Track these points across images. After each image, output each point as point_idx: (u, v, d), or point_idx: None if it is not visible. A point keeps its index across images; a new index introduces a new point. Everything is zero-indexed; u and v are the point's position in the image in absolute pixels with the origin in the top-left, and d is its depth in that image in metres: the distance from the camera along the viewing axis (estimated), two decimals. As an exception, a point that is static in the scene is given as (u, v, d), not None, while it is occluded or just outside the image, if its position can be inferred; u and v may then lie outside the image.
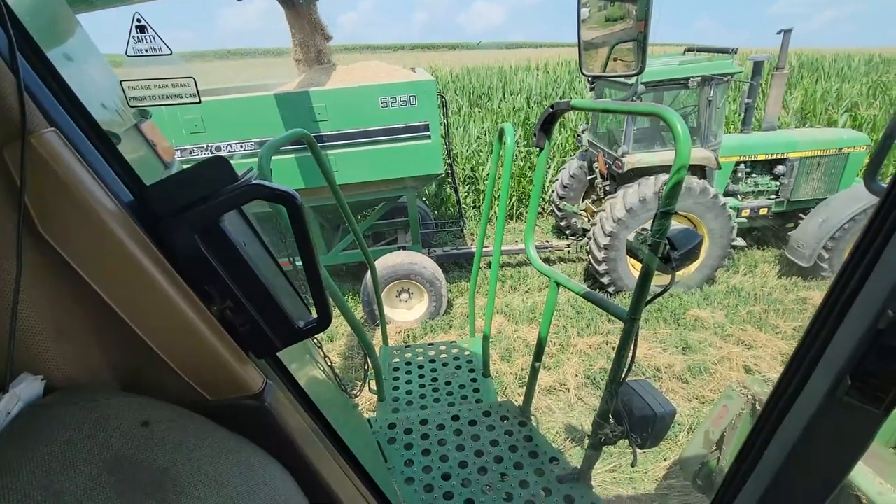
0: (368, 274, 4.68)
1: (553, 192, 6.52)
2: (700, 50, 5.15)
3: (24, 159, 0.46)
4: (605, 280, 4.98)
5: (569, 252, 5.96)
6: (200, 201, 0.57)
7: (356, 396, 1.99)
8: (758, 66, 5.19)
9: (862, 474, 1.77)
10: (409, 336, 4.63)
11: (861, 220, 4.68)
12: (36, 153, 0.46)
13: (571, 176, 6.22)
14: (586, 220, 5.91)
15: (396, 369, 2.61)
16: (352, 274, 5.77)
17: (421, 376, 2.54)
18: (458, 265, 5.95)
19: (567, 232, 6.47)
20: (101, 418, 0.50)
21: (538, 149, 1.69)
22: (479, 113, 10.54)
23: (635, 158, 4.76)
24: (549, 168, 7.64)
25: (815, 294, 4.85)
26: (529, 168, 7.86)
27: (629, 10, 1.36)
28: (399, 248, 5.12)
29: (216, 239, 0.60)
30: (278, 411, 0.65)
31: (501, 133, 2.04)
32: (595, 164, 5.65)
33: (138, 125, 0.89)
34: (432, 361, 2.66)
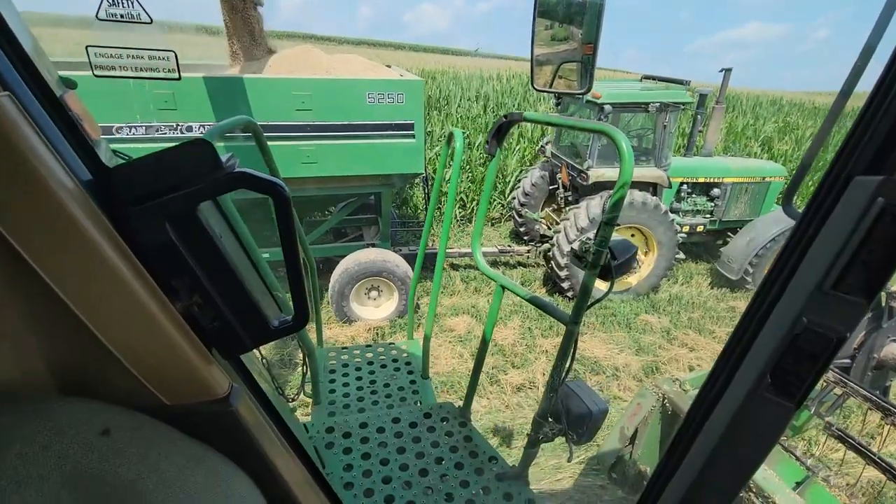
0: (336, 270, 4.61)
1: (514, 198, 6.77)
2: (656, 78, 5.64)
3: None
4: (564, 285, 5.28)
5: (528, 257, 6.23)
6: (177, 187, 0.52)
7: (293, 400, 1.91)
8: (702, 98, 5.79)
9: None
10: (378, 334, 4.61)
11: (780, 241, 5.38)
12: None
13: (533, 185, 6.51)
14: (546, 227, 6.21)
15: (332, 371, 2.51)
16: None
17: (358, 378, 2.47)
18: (422, 264, 5.99)
19: (525, 238, 6.75)
20: (56, 427, 0.44)
21: (489, 156, 1.74)
22: (437, 116, 10.66)
23: (599, 172, 5.11)
24: (511, 176, 7.92)
25: (743, 304, 5.48)
26: (489, 174, 8.09)
27: (573, 32, 1.46)
28: (367, 245, 5.08)
29: (191, 229, 0.55)
30: (244, 416, 0.62)
31: (450, 137, 2.05)
32: (557, 175, 5.96)
33: (62, 97, 0.79)
34: (370, 363, 2.60)
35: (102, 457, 0.45)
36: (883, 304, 2.54)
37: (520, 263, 6.35)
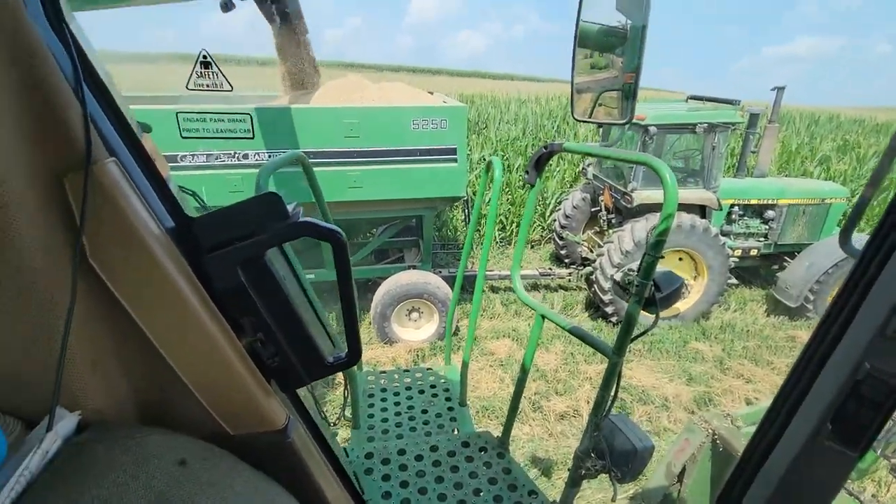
0: (378, 291, 4.70)
1: (555, 221, 6.72)
2: (703, 99, 5.51)
3: (87, 189, 0.46)
4: (609, 310, 5.13)
5: (569, 280, 6.12)
6: (249, 235, 0.57)
7: (335, 424, 1.92)
8: (753, 117, 5.60)
9: None
10: (418, 356, 4.62)
11: (844, 266, 5.03)
12: (97, 182, 0.47)
13: (574, 207, 6.44)
14: (588, 249, 6.10)
15: (371, 395, 2.54)
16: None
17: (396, 404, 2.48)
18: (461, 287, 6.00)
19: (566, 260, 6.65)
20: (142, 458, 0.49)
21: (530, 185, 1.73)
22: (476, 140, 10.80)
23: (644, 195, 5.00)
24: (551, 198, 7.88)
25: (803, 333, 5.13)
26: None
27: (613, 60, 1.43)
28: (409, 267, 5.15)
29: (259, 273, 0.60)
30: (299, 447, 0.65)
31: (489, 166, 2.05)
32: (600, 197, 5.87)
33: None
34: (408, 388, 2.60)
35: (181, 485, 0.49)
36: None
37: (561, 287, 6.24)
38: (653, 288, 1.23)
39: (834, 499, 0.59)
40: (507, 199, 7.96)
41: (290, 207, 0.59)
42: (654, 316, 1.32)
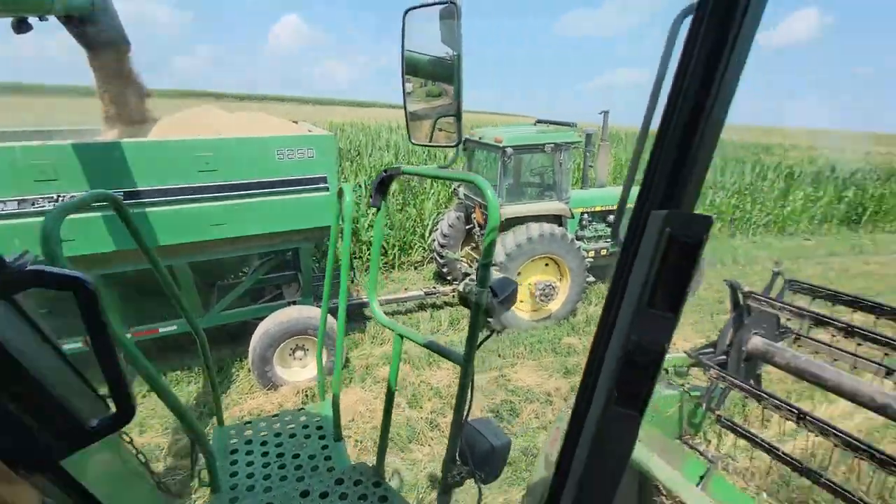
0: (255, 334, 4.34)
1: (434, 240, 6.96)
2: (548, 122, 6.26)
3: None
4: (492, 321, 5.43)
5: (453, 297, 6.35)
6: None
7: (189, 493, 1.74)
8: (588, 137, 6.51)
9: (656, 466, 2.06)
10: (307, 396, 4.36)
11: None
12: None
13: (450, 226, 6.75)
14: (467, 265, 6.42)
15: (234, 451, 2.35)
16: (230, 336, 5.22)
17: (264, 454, 2.33)
18: (347, 317, 5.85)
19: (449, 277, 6.90)
20: None
21: (375, 209, 1.80)
22: (350, 167, 10.76)
23: (509, 210, 5.45)
24: (429, 219, 8.15)
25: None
26: (407, 219, 8.26)
27: (446, 89, 1.58)
28: (289, 303, 4.87)
29: None
30: None
31: (340, 192, 2.11)
32: (472, 215, 6.25)
33: None
34: (277, 435, 2.46)
35: None
36: (741, 303, 2.85)
37: (447, 304, 6.44)
38: (490, 294, 1.31)
39: (630, 454, 0.69)
40: (386, 224, 8.02)
41: (12, 256, 0.52)
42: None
